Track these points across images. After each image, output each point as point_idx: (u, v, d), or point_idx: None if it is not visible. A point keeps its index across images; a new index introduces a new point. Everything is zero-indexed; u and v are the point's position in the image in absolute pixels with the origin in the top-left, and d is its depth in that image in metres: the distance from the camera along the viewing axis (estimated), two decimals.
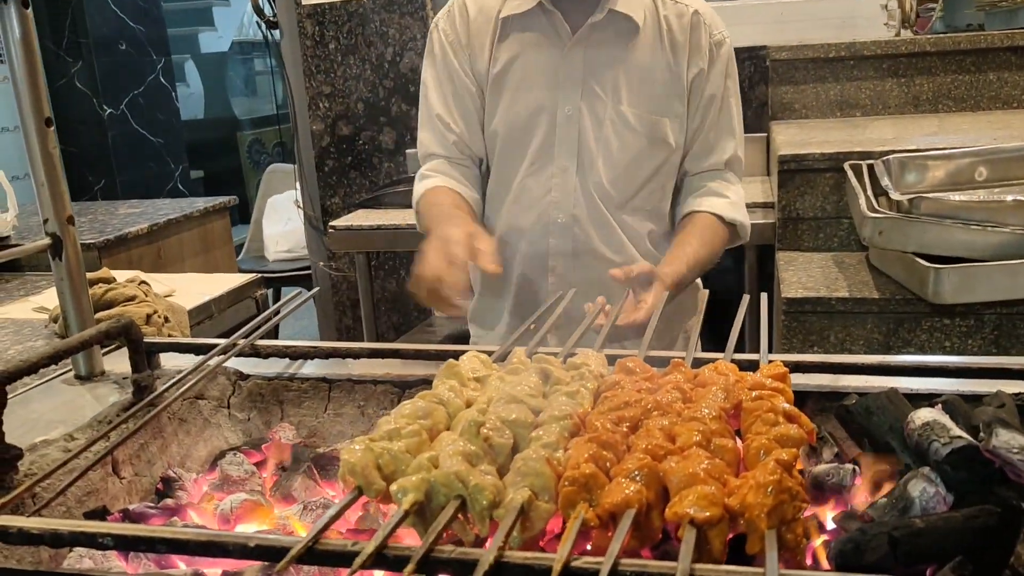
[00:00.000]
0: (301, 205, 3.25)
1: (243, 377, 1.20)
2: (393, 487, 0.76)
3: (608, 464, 0.78)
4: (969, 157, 2.02)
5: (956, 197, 1.84)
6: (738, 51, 2.80)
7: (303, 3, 3.10)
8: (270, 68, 6.87)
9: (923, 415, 0.89)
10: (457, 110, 1.60)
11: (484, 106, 1.60)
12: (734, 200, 1.61)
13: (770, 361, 1.01)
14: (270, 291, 4.27)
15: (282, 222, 4.16)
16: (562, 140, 1.54)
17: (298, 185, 3.28)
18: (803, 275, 2.04)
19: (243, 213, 5.41)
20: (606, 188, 1.55)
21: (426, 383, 1.14)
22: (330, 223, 2.76)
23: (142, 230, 2.14)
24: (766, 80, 2.80)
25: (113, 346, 1.34)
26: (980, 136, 2.23)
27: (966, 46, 2.55)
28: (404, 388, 1.17)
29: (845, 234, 2.19)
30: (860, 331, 1.89)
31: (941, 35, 2.69)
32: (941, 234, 1.78)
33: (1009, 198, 1.78)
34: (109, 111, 4.78)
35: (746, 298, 1.26)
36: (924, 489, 0.80)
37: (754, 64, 2.82)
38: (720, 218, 1.58)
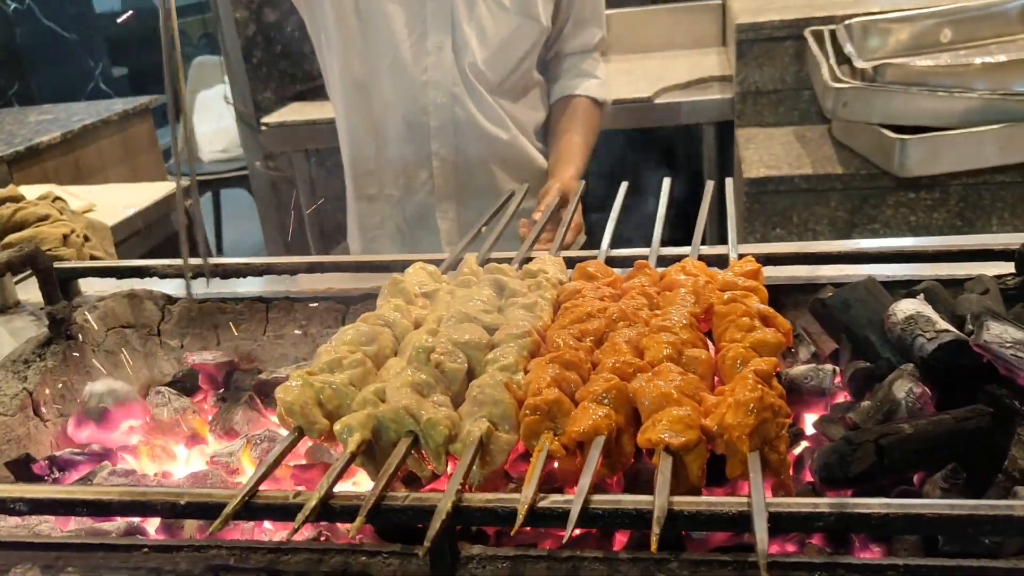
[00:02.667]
0: (231, 101, 3.04)
1: (171, 301, 1.10)
2: (337, 426, 0.68)
3: (572, 387, 0.71)
4: (934, 18, 1.92)
5: (922, 62, 1.75)
6: None
7: None
8: None
9: (905, 307, 0.83)
10: None
11: None
12: (604, 80, 1.66)
13: (740, 256, 0.94)
14: (209, 194, 4.08)
15: (214, 119, 3.92)
16: (435, 14, 1.48)
17: (226, 79, 3.06)
18: (764, 153, 1.96)
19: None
20: (481, 68, 1.51)
21: (372, 297, 1.04)
22: (263, 119, 2.59)
23: (55, 139, 1.96)
24: None
25: (27, 273, 1.22)
26: None
27: None
28: (348, 304, 1.08)
29: (807, 106, 2.10)
30: (824, 209, 1.83)
31: None
32: (907, 102, 1.71)
33: (977, 61, 1.69)
34: (14, 6, 4.39)
35: (710, 184, 1.18)
36: (910, 390, 0.75)
37: None
38: (594, 100, 1.63)
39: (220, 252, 4.19)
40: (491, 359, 0.76)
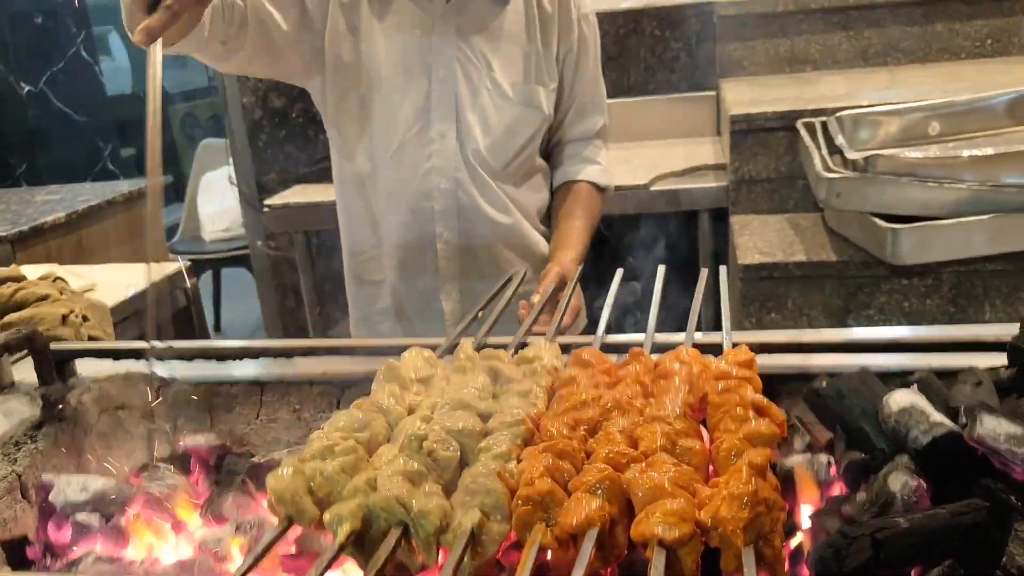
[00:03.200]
0: (235, 182, 3.10)
1: (166, 383, 1.10)
2: (327, 516, 0.68)
3: (566, 476, 0.71)
4: (922, 112, 1.98)
5: (911, 154, 1.79)
6: (684, 8, 2.75)
7: None
8: None
9: (899, 398, 0.83)
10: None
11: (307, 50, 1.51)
12: (605, 166, 1.70)
13: (734, 344, 0.94)
14: (209, 272, 4.11)
15: (218, 200, 3.98)
16: (438, 104, 1.52)
17: (231, 161, 3.12)
18: (759, 239, 1.99)
19: (179, 190, 5.20)
20: (483, 155, 1.55)
21: (368, 381, 1.04)
22: (266, 201, 2.63)
23: (59, 219, 1.99)
24: (713, 37, 2.72)
25: (23, 353, 1.22)
26: (932, 88, 2.18)
27: None
28: (343, 388, 1.08)
29: (800, 195, 2.14)
30: (819, 296, 1.85)
31: None
32: (898, 193, 1.74)
33: (964, 153, 1.73)
34: (28, 89, 4.51)
35: (704, 272, 1.19)
36: (905, 483, 0.74)
37: (700, 21, 2.73)
38: (595, 185, 1.67)
39: (218, 330, 4.19)
40: (484, 447, 0.76)
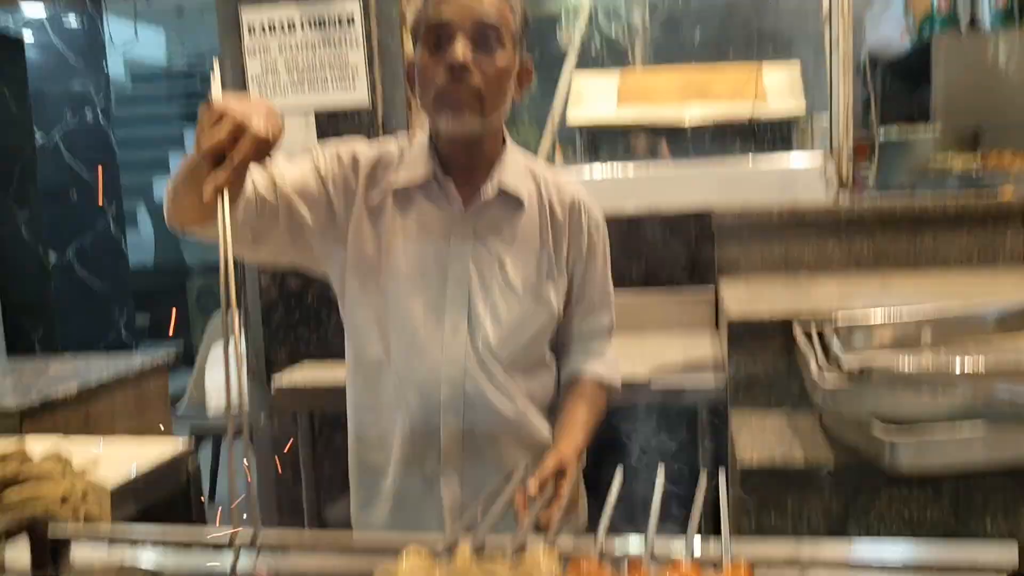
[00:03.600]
0: (245, 356, 3.16)
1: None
2: None
3: None
4: (915, 321, 2.04)
5: (906, 362, 1.83)
6: (684, 215, 2.91)
7: None
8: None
9: None
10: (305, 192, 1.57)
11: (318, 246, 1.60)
12: (612, 363, 1.77)
13: (732, 559, 0.95)
14: (210, 443, 4.10)
15: (222, 372, 4.03)
16: (452, 299, 1.60)
17: (243, 337, 3.20)
18: (757, 439, 2.00)
19: (188, 359, 5.27)
20: (493, 348, 1.61)
21: None
22: (274, 381, 2.67)
23: (70, 393, 2.03)
24: (712, 240, 2.85)
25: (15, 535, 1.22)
26: (922, 296, 2.27)
27: (901, 211, 2.64)
28: None
29: (798, 396, 2.16)
30: (817, 499, 1.84)
31: (877, 201, 2.79)
32: (893, 401, 1.77)
33: (958, 362, 1.78)
34: (54, 259, 4.70)
35: (703, 477, 1.21)
36: None
37: (700, 225, 2.89)
38: (601, 381, 1.73)
39: (212, 501, 4.12)
40: None
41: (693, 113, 3.64)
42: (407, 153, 1.65)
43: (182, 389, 4.36)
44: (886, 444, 1.73)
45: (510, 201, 1.65)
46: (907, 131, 3.41)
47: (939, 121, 3.52)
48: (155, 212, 6.60)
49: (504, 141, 1.67)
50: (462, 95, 1.51)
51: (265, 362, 3.15)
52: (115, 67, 6.02)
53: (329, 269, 1.65)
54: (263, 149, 1.19)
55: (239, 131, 1.16)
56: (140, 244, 6.18)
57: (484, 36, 1.51)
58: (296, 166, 1.59)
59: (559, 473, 1.48)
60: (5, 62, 4.52)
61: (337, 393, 2.48)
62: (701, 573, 0.91)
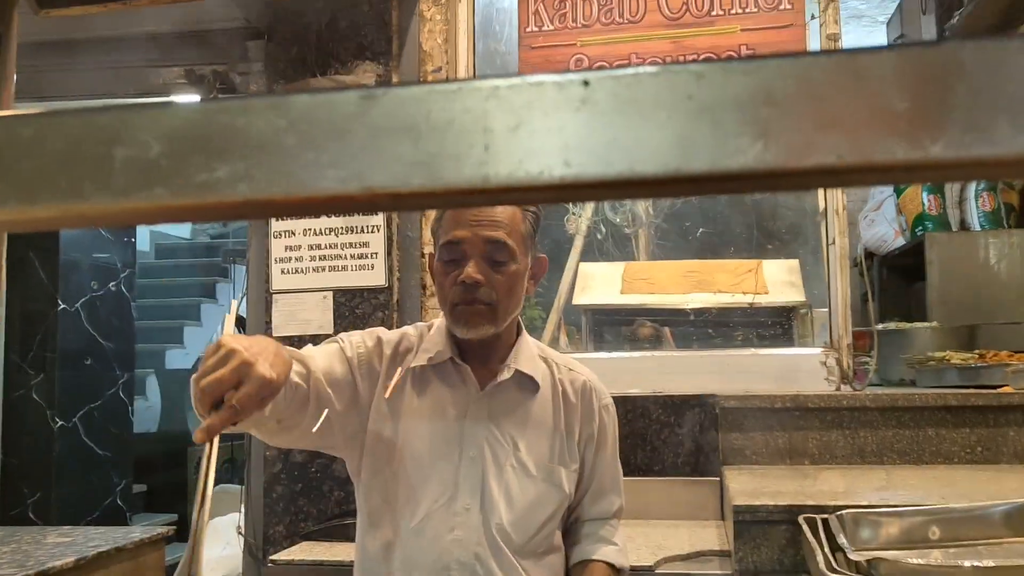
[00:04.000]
0: (243, 532, 3.11)
1: None
2: None
3: None
4: (922, 516, 2.03)
5: (914, 560, 1.82)
6: (688, 398, 2.96)
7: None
8: None
9: None
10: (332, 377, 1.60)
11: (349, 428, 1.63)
12: (621, 547, 1.77)
13: None
14: None
15: (220, 546, 3.94)
16: (465, 479, 1.62)
17: (242, 509, 3.16)
18: None
19: (182, 531, 5.14)
20: (507, 530, 1.61)
21: None
22: (271, 557, 2.62)
23: (67, 565, 2.00)
24: (716, 426, 2.88)
25: None
26: (928, 492, 2.26)
27: (903, 403, 2.69)
28: None
29: None
30: None
31: (879, 392, 2.84)
32: None
33: (966, 563, 1.76)
34: (60, 424, 4.72)
35: None
36: None
37: (703, 411, 2.92)
38: (611, 566, 1.72)
39: None
40: None
41: (695, 301, 3.76)
42: (426, 337, 1.73)
43: (177, 559, 4.24)
44: None
45: (525, 384, 1.71)
46: (905, 325, 3.51)
47: (935, 318, 3.62)
48: (164, 381, 6.67)
49: (519, 329, 1.76)
50: (475, 309, 1.61)
51: (263, 538, 3.10)
52: (141, 239, 6.29)
53: (349, 451, 1.68)
54: (266, 392, 1.18)
55: (244, 372, 1.15)
56: (146, 412, 6.20)
57: (495, 253, 1.61)
58: (323, 352, 1.65)
59: None
60: (39, 232, 4.72)
61: (331, 571, 2.43)
62: None
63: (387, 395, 1.63)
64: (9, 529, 2.52)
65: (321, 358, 1.62)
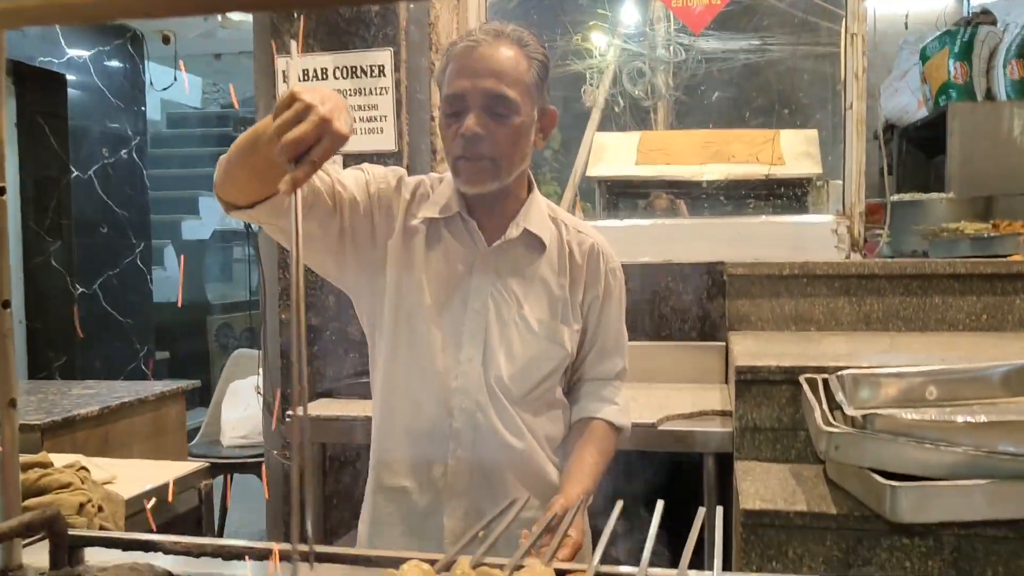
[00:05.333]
0: (261, 391, 3.22)
1: None
2: None
3: None
4: (920, 376, 2.07)
5: (909, 415, 1.86)
6: (697, 266, 2.97)
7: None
8: (247, 256, 7.03)
9: None
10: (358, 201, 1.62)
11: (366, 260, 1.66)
12: (623, 407, 1.79)
13: None
14: (222, 477, 4.14)
15: (241, 407, 4.10)
16: (469, 331, 1.65)
17: (260, 371, 3.26)
18: (761, 487, 2.02)
19: (204, 396, 5.34)
20: (505, 382, 1.65)
21: None
22: (288, 412, 2.72)
23: (92, 412, 2.09)
24: (723, 293, 2.90)
25: (36, 537, 1.26)
26: (929, 356, 2.29)
27: (912, 271, 2.69)
28: None
29: (802, 446, 2.19)
30: (819, 547, 1.85)
31: (888, 259, 2.84)
32: (896, 451, 1.79)
33: (960, 419, 1.80)
34: (81, 290, 4.82)
35: (702, 511, 1.24)
36: None
37: (711, 278, 2.94)
38: (611, 424, 1.75)
39: (221, 535, 4.14)
40: None
41: (711, 172, 3.71)
42: (437, 189, 1.72)
43: (196, 427, 4.42)
44: (888, 493, 1.75)
45: (532, 243, 1.71)
46: (921, 196, 3.47)
47: (953, 190, 3.57)
48: (181, 251, 6.75)
49: (530, 186, 1.74)
50: (477, 164, 1.58)
51: (281, 398, 3.21)
52: (152, 108, 6.23)
53: (358, 288, 1.70)
54: (339, 147, 1.20)
55: (324, 129, 1.16)
56: (165, 282, 6.32)
57: (497, 105, 1.56)
58: (351, 176, 1.65)
59: (563, 516, 1.50)
60: (47, 97, 4.71)
61: (345, 426, 2.53)
62: None
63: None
64: (36, 383, 2.62)
65: (348, 181, 1.62)
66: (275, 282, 3.27)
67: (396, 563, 1.04)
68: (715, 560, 1.06)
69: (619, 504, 1.27)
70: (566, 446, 1.75)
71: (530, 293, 1.70)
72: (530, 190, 1.75)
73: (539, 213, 1.74)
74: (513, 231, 1.69)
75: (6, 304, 1.19)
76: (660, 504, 1.25)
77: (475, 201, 1.68)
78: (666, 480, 2.33)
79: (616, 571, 1.06)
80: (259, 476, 3.62)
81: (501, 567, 1.05)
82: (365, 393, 2.76)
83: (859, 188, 2.89)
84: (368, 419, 2.53)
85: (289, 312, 3.23)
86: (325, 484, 2.69)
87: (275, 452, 3.15)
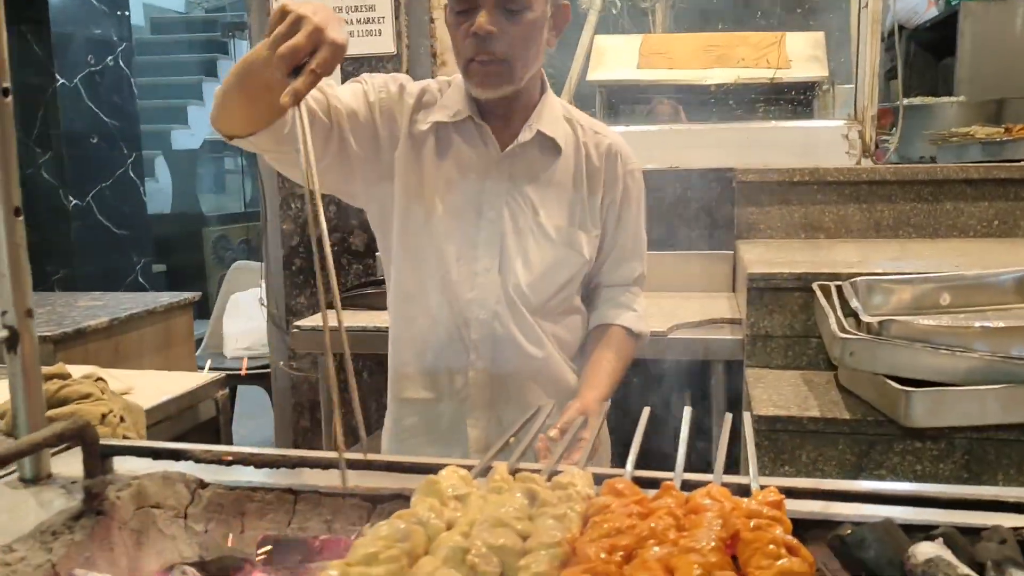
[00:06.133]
0: (265, 303, 3.20)
1: (203, 485, 1.13)
2: None
3: None
4: (933, 283, 2.06)
5: (924, 321, 1.86)
6: (706, 172, 2.92)
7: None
8: (240, 167, 6.91)
9: (925, 550, 0.86)
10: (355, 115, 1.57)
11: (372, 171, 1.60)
12: (641, 313, 1.78)
13: (762, 487, 0.98)
14: (226, 389, 4.16)
15: (243, 320, 4.09)
16: (485, 241, 1.61)
17: (263, 283, 3.24)
18: (773, 393, 2.03)
19: (202, 309, 5.32)
20: (524, 291, 1.62)
21: (399, 498, 1.09)
22: (295, 322, 2.71)
23: (102, 324, 2.07)
24: (732, 200, 2.86)
25: (63, 447, 1.26)
26: (941, 262, 2.28)
27: (923, 176, 2.65)
28: (375, 503, 1.11)
29: (814, 353, 2.20)
30: (832, 451, 1.87)
31: (899, 165, 2.80)
32: (911, 357, 1.79)
33: (976, 324, 1.80)
34: (75, 202, 4.73)
35: (728, 417, 1.24)
36: None
37: (720, 185, 2.89)
38: (629, 331, 1.73)
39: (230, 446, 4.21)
40: (523, 565, 0.78)
41: (715, 76, 3.62)
42: (445, 93, 1.66)
43: (199, 339, 4.42)
44: (903, 398, 1.76)
45: (547, 146, 1.66)
46: (931, 99, 3.40)
47: (963, 93, 3.50)
48: (172, 162, 6.62)
49: (543, 87, 1.68)
50: (490, 65, 1.51)
51: (285, 309, 3.19)
52: (135, 14, 6.00)
53: (369, 201, 1.66)
54: (338, 59, 1.15)
55: (318, 38, 1.12)
56: (157, 193, 6.21)
57: (509, 1, 1.48)
58: (347, 90, 1.59)
59: (582, 421, 1.50)
60: (27, 3, 4.53)
61: (358, 335, 2.51)
62: (731, 496, 0.94)
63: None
64: (41, 294, 2.58)
65: (345, 96, 1.57)
66: (275, 191, 3.21)
67: (430, 471, 1.04)
68: (751, 466, 1.06)
69: (646, 411, 1.27)
70: (584, 353, 1.75)
71: (546, 199, 1.66)
72: (543, 91, 1.69)
73: (553, 114, 1.68)
74: (526, 134, 1.63)
75: (17, 212, 1.16)
76: (687, 412, 1.24)
77: (487, 104, 1.62)
78: (676, 388, 2.34)
79: (652, 476, 1.06)
80: (265, 388, 3.63)
81: (537, 472, 1.05)
82: (371, 304, 2.75)
83: (872, 91, 2.82)
84: (376, 329, 2.53)
85: (291, 223, 3.18)
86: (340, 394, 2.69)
87: (282, 363, 3.15)
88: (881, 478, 1.82)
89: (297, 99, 1.10)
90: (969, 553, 0.89)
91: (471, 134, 1.64)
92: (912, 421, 1.78)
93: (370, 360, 2.98)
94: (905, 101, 3.38)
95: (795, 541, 0.84)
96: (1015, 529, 0.94)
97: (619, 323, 1.74)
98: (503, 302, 1.62)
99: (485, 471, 1.05)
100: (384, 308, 2.68)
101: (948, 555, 0.85)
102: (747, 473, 1.07)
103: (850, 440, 1.86)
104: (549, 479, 1.01)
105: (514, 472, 1.03)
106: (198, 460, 1.15)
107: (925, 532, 0.95)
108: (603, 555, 0.79)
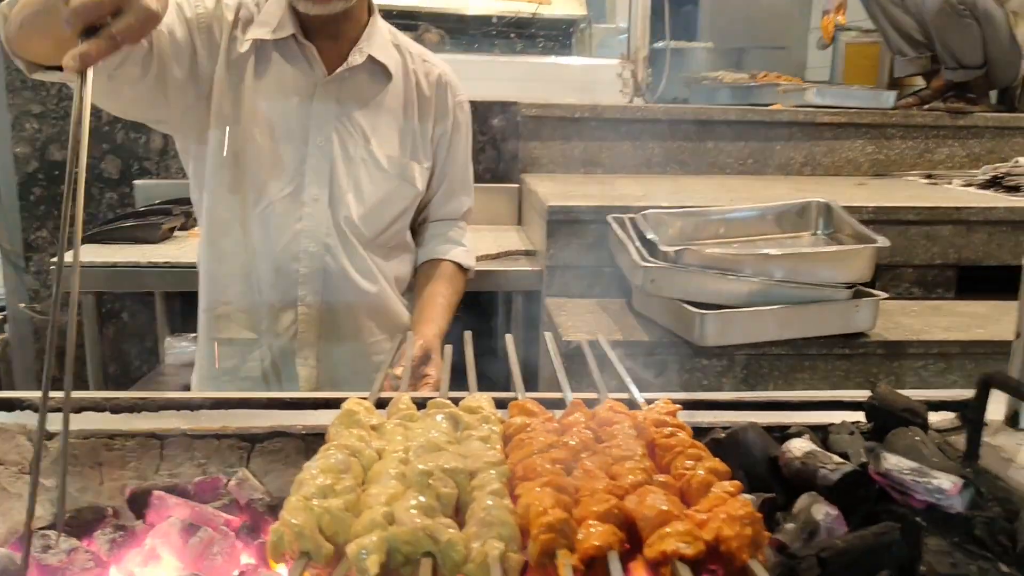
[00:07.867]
0: (0, 242, 2.77)
1: (49, 436, 0.98)
2: (351, 548, 0.66)
3: (568, 508, 0.75)
4: (713, 216, 2.27)
5: (712, 250, 2.05)
6: (491, 104, 2.95)
7: None
8: None
9: (798, 445, 0.97)
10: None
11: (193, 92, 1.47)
12: (469, 248, 1.82)
13: (649, 401, 1.05)
14: None
15: None
16: (313, 169, 1.54)
17: None
18: (577, 320, 2.15)
19: None
20: (356, 223, 1.58)
21: (278, 435, 1.03)
22: (49, 260, 2.38)
23: None
24: (516, 134, 2.93)
25: None
26: (715, 197, 2.51)
27: (690, 116, 2.89)
28: (253, 442, 1.03)
29: (607, 282, 2.34)
30: (634, 372, 2.02)
31: (670, 105, 3.02)
32: (703, 283, 1.98)
33: (757, 252, 2.02)
34: None
35: (550, 336, 1.29)
36: (827, 512, 0.87)
37: (506, 118, 2.94)
38: (460, 265, 1.76)
39: None
40: (478, 484, 0.78)
41: (476, 5, 3.65)
42: (263, 8, 1.52)
43: None
44: (697, 320, 1.94)
45: (377, 71, 1.58)
46: (683, 44, 3.69)
47: (706, 39, 3.83)
48: None
49: (370, 9, 1.60)
50: None
51: (23, 246, 2.79)
52: None
53: (183, 127, 1.50)
54: (147, 29, 0.93)
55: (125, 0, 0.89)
56: None
57: None
58: None
59: (425, 356, 1.49)
60: None
61: (123, 274, 2.26)
62: (628, 410, 1.00)
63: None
64: None
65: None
66: (3, 108, 2.77)
67: (305, 405, 1.00)
68: (628, 382, 1.12)
69: (468, 335, 1.26)
70: (415, 287, 1.73)
71: (378, 126, 1.60)
72: (371, 13, 1.61)
73: (382, 39, 1.61)
74: (356, 57, 1.55)
75: None
76: (509, 337, 1.28)
77: (314, 23, 1.51)
78: (485, 319, 2.39)
79: (539, 396, 1.09)
80: None
81: (431, 399, 1.03)
82: (137, 237, 2.49)
83: (644, 33, 3.01)
84: (150, 265, 2.30)
85: (26, 146, 2.77)
86: (103, 335, 2.42)
87: (22, 305, 2.77)
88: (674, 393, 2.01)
89: (84, 66, 0.85)
90: (826, 445, 1.02)
91: (294, 54, 1.53)
92: (704, 340, 1.97)
93: (131, 299, 2.71)
94: (660, 44, 3.64)
95: (700, 444, 0.91)
96: (853, 422, 1.09)
97: (449, 258, 1.73)
98: (334, 234, 1.55)
99: (380, 403, 1.02)
100: (152, 241, 2.44)
101: (818, 448, 0.96)
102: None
103: (649, 360, 2.02)
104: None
105: (377, 403, 1.00)
106: (36, 409, 0.99)
107: (782, 431, 1.07)
108: (553, 468, 0.80)
